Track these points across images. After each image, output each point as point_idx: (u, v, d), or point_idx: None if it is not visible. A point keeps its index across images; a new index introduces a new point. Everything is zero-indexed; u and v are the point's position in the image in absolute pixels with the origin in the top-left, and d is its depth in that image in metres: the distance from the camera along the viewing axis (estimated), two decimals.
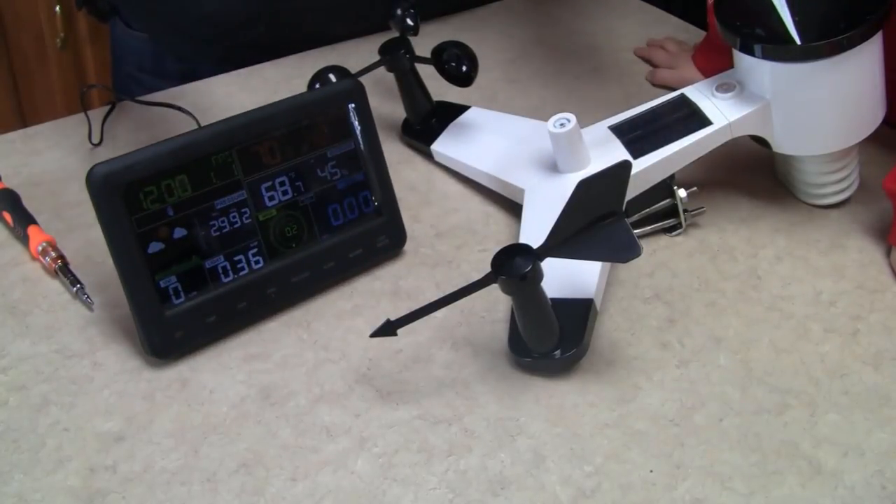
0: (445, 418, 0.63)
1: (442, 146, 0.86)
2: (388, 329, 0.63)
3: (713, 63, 0.84)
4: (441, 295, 0.63)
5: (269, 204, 0.70)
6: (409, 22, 0.86)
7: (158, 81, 1.01)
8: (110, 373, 0.67)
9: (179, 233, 0.67)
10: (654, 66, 1.00)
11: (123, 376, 0.67)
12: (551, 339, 0.64)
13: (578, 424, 0.62)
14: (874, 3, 0.70)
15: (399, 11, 0.86)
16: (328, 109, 0.72)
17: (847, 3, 0.71)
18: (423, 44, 0.89)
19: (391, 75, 0.87)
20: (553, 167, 0.76)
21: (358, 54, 1.02)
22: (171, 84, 0.99)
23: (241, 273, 0.69)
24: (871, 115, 0.74)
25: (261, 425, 0.63)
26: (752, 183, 0.82)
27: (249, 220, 0.70)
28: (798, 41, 0.69)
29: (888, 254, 0.74)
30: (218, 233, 0.68)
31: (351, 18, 1.05)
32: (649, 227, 0.77)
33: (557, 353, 0.64)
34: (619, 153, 0.74)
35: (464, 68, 0.84)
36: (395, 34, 0.87)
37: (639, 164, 0.73)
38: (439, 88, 0.90)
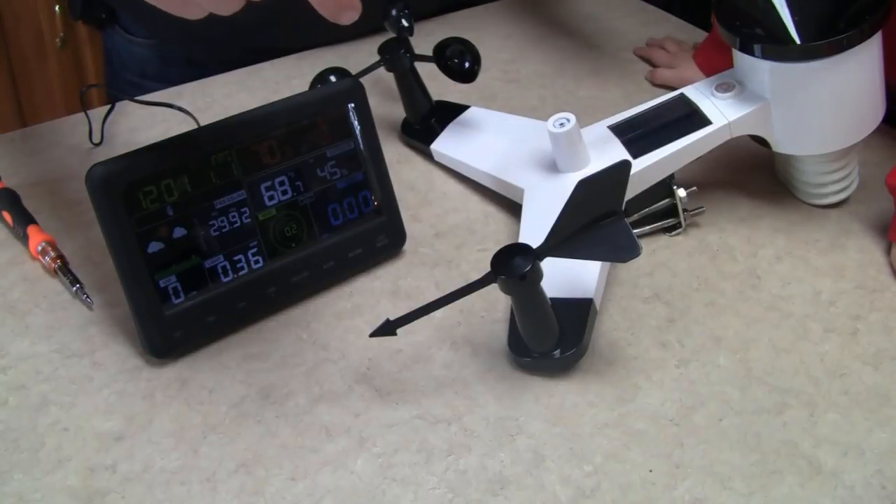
0: (445, 418, 0.63)
1: (441, 146, 0.86)
2: (387, 329, 0.63)
3: (714, 62, 0.84)
4: (441, 295, 0.63)
5: (268, 203, 0.70)
6: (405, 23, 0.86)
7: (163, 87, 1.00)
8: (110, 372, 0.67)
9: (179, 232, 0.67)
10: (653, 65, 1.01)
11: (123, 376, 0.67)
12: (551, 339, 0.64)
13: (578, 424, 0.62)
14: (874, 3, 0.70)
15: (394, 12, 0.86)
16: (328, 109, 0.72)
17: (847, 3, 0.71)
18: (422, 44, 0.89)
19: (391, 75, 0.87)
20: (552, 167, 0.76)
21: (358, 54, 1.02)
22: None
23: (241, 273, 0.69)
24: (871, 115, 0.74)
25: (260, 425, 0.63)
26: (752, 183, 0.82)
27: (249, 220, 0.70)
28: (798, 41, 0.69)
29: (888, 251, 0.74)
30: (217, 232, 0.68)
31: (362, 20, 1.05)
32: (649, 227, 0.77)
33: (557, 352, 0.64)
34: (618, 153, 0.74)
35: (467, 64, 0.84)
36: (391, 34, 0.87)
37: (638, 164, 0.73)
38: (439, 88, 0.90)
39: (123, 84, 1.11)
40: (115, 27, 1.10)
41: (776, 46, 0.70)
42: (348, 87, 0.73)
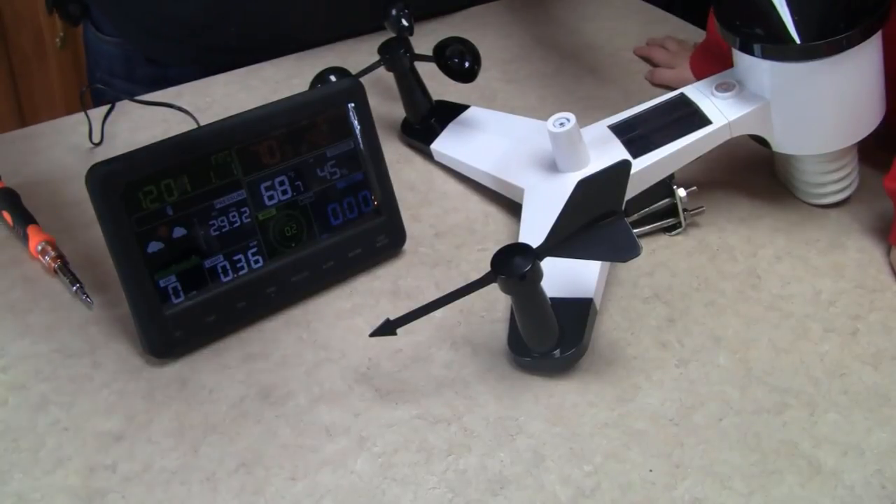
0: (445, 418, 0.63)
1: (441, 145, 0.86)
2: (387, 328, 0.63)
3: (708, 67, 0.84)
4: (440, 294, 0.63)
5: (268, 203, 0.70)
6: (405, 22, 0.86)
7: (130, 86, 1.00)
8: (110, 372, 0.67)
9: (179, 232, 0.67)
10: (654, 65, 1.00)
11: (123, 375, 0.67)
12: (551, 339, 0.64)
13: (578, 424, 0.62)
14: (874, 3, 0.70)
15: (394, 12, 0.86)
16: (328, 109, 0.72)
17: (846, 2, 0.71)
18: (422, 43, 0.89)
19: (391, 75, 0.87)
20: (552, 166, 0.76)
21: (358, 54, 1.02)
22: (143, 89, 0.98)
23: (241, 272, 0.69)
24: (871, 115, 0.74)
25: (260, 425, 0.63)
26: (751, 183, 0.82)
27: (249, 220, 0.70)
28: (798, 41, 0.69)
29: (888, 252, 0.74)
30: (217, 232, 0.68)
31: (324, 21, 1.05)
32: (649, 227, 0.77)
33: (557, 352, 0.64)
34: (618, 152, 0.74)
35: (466, 64, 0.84)
36: (391, 34, 0.87)
37: (638, 164, 0.73)
38: (439, 88, 0.90)
39: (97, 82, 1.11)
40: (88, 24, 1.10)
41: (776, 46, 0.70)
42: (348, 86, 0.73)
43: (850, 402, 0.63)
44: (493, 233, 0.79)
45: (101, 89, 1.08)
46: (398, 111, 0.91)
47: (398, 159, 0.88)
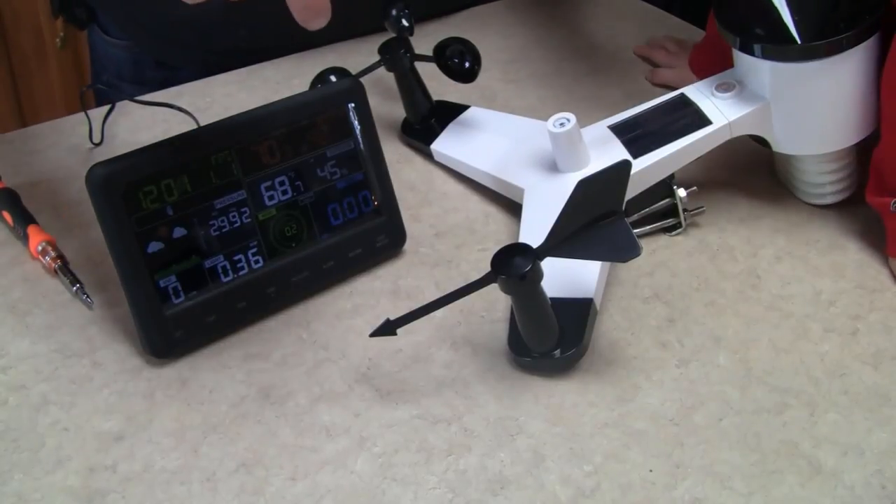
0: (445, 418, 0.63)
1: (441, 146, 0.86)
2: (387, 329, 0.63)
3: (707, 64, 0.84)
4: (441, 294, 0.63)
5: (268, 203, 0.70)
6: (405, 23, 0.86)
7: (139, 89, 1.00)
8: (110, 372, 0.67)
9: (179, 232, 0.67)
10: (654, 65, 1.00)
11: (123, 376, 0.67)
12: (551, 339, 0.64)
13: (578, 424, 0.62)
14: (874, 3, 0.70)
15: (394, 12, 0.86)
16: (328, 109, 0.72)
17: (847, 2, 0.71)
18: (422, 44, 0.89)
19: (391, 75, 0.87)
20: (553, 167, 0.76)
21: (358, 54, 1.02)
22: (152, 92, 0.98)
23: (241, 272, 0.69)
24: (871, 115, 0.74)
25: (260, 425, 0.63)
26: (751, 183, 0.82)
27: (249, 220, 0.70)
28: (798, 41, 0.69)
29: (887, 260, 0.74)
30: (217, 232, 0.68)
31: (334, 22, 1.05)
32: (649, 227, 0.77)
33: (557, 352, 0.64)
34: (618, 153, 0.74)
35: (467, 64, 0.84)
36: (391, 34, 0.87)
37: (638, 164, 0.73)
38: (439, 88, 0.90)
39: (104, 85, 1.10)
40: (94, 27, 1.10)
41: (776, 46, 0.70)
42: (348, 86, 0.73)
43: (850, 402, 0.63)
44: (493, 233, 0.79)
45: (101, 89, 1.08)
46: (398, 111, 0.91)
47: (398, 159, 0.88)
